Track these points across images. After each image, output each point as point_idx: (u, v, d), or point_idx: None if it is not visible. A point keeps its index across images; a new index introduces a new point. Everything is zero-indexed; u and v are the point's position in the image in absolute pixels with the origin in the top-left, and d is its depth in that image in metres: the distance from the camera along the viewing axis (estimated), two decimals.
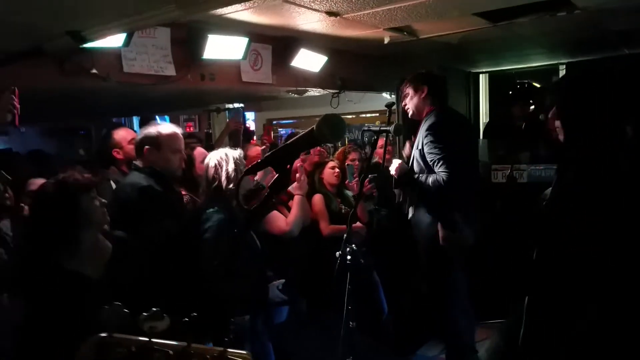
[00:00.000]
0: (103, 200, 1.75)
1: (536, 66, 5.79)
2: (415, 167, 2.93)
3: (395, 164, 2.99)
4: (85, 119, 5.55)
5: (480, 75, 6.15)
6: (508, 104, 5.59)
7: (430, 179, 2.78)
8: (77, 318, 1.46)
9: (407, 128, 3.58)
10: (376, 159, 3.37)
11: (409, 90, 3.01)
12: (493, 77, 6.18)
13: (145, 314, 0.78)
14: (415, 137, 3.16)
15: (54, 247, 1.61)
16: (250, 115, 6.92)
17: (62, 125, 6.05)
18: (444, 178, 2.69)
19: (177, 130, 2.51)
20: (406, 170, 2.94)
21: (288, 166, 1.01)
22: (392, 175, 3.02)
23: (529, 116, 5.03)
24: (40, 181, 2.46)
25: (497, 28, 3.70)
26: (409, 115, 3.04)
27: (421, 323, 3.55)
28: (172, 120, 6.02)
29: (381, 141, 3.31)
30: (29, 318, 1.51)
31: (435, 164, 2.74)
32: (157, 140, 2.41)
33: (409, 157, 3.07)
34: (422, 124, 2.92)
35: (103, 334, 0.76)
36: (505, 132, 4.96)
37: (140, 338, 0.77)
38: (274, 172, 0.95)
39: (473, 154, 3.16)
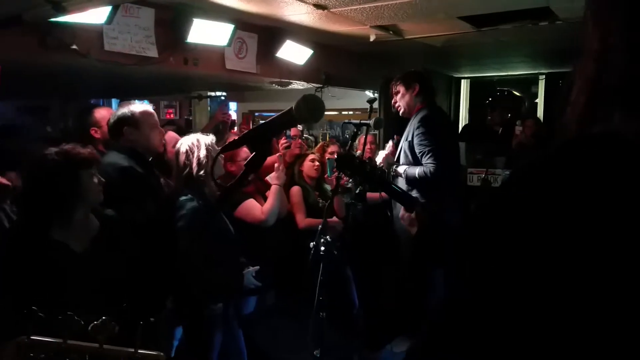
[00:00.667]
0: (102, 179, 1.78)
1: (517, 75, 5.94)
2: (402, 159, 2.98)
3: (381, 154, 3.03)
4: (62, 99, 5.42)
5: (462, 80, 6.27)
6: (487, 109, 5.72)
7: (417, 170, 2.83)
8: (55, 286, 1.48)
9: (391, 126, 3.63)
10: (357, 153, 3.39)
11: (400, 88, 3.06)
12: (474, 83, 6.31)
13: (95, 322, 0.83)
14: (398, 136, 3.20)
15: (46, 216, 1.65)
16: (232, 106, 6.87)
17: (35, 104, 5.90)
18: (431, 170, 2.75)
19: (149, 107, 2.48)
20: (392, 162, 2.99)
21: (265, 145, 1.01)
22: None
23: (507, 123, 5.15)
24: None
25: (480, 33, 3.77)
26: (400, 112, 3.09)
27: (392, 318, 3.60)
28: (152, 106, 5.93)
29: (364, 138, 3.35)
30: (9, 280, 1.53)
31: (424, 155, 2.80)
32: (133, 119, 2.37)
33: (392, 154, 3.10)
34: (412, 119, 2.97)
35: (22, 337, 0.80)
36: (483, 136, 5.06)
37: (56, 340, 0.80)
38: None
39: (456, 152, 3.23)
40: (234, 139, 1.03)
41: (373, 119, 2.46)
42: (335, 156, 3.68)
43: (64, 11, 1.91)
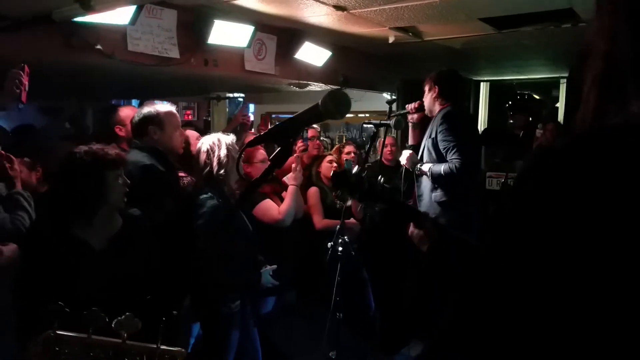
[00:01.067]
0: (127, 181, 1.80)
1: (537, 78, 5.86)
2: (426, 157, 2.95)
3: (405, 154, 3.01)
4: (84, 100, 5.52)
5: (482, 83, 6.21)
6: (507, 113, 5.65)
7: (443, 167, 2.81)
8: (72, 282, 1.50)
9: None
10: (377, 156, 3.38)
11: (425, 88, 3.06)
12: (494, 87, 6.25)
13: (119, 318, 0.83)
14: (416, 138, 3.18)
15: (68, 213, 1.67)
16: (250, 108, 6.92)
17: (54, 104, 6.01)
18: (457, 165, 2.73)
19: (173, 108, 2.51)
20: (416, 160, 2.96)
21: (290, 140, 1.02)
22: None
23: (528, 126, 5.08)
24: None
25: (501, 35, 3.74)
26: (426, 112, 3.07)
27: (408, 322, 3.57)
28: None
29: (382, 141, 3.33)
30: (28, 272, 1.56)
31: (449, 150, 2.78)
32: (158, 118, 2.40)
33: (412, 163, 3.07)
34: (434, 117, 2.95)
35: (49, 331, 0.81)
36: (503, 140, 5.00)
37: (81, 335, 0.81)
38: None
39: (478, 152, 3.20)
40: (259, 134, 1.04)
41: (393, 119, 2.45)
42: (352, 156, 3.69)
43: (91, 10, 1.95)
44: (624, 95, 0.54)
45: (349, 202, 2.62)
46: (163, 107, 2.48)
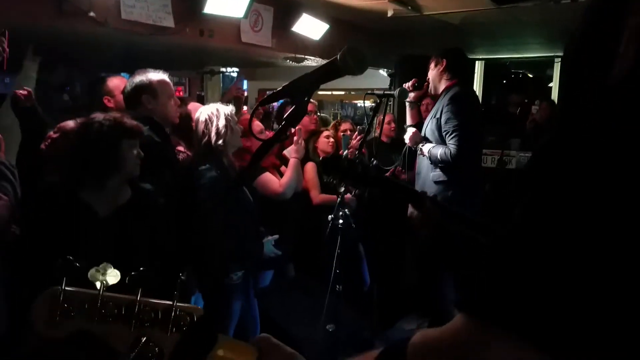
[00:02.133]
0: (141, 153, 1.80)
1: (532, 57, 5.84)
2: (430, 137, 2.94)
3: (409, 132, 2.97)
4: (74, 71, 5.37)
5: (477, 61, 6.17)
6: (502, 91, 5.64)
7: (440, 151, 2.79)
8: (72, 242, 1.55)
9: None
10: (377, 133, 3.33)
11: (431, 64, 2.99)
12: (488, 65, 6.21)
13: (133, 273, 0.79)
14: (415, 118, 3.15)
15: (78, 177, 1.71)
16: (247, 83, 6.81)
17: (46, 76, 5.84)
18: (452, 152, 2.71)
19: (166, 76, 2.43)
20: (419, 140, 2.94)
21: (306, 98, 0.99)
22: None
23: (522, 105, 5.09)
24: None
25: (500, 11, 3.70)
26: (429, 90, 3.01)
27: (402, 296, 3.61)
28: None
29: (386, 117, 3.29)
30: (30, 229, 1.61)
31: (449, 135, 2.76)
32: (152, 87, 2.33)
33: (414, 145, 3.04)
34: (442, 96, 2.90)
35: (57, 287, 0.76)
36: (498, 118, 5.01)
37: (90, 291, 0.77)
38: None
39: (482, 135, 3.17)
40: (274, 91, 1.00)
41: (398, 90, 2.42)
42: (349, 133, 3.65)
43: None
44: None
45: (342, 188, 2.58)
46: (156, 75, 2.40)
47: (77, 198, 1.70)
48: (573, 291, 0.46)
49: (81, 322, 0.77)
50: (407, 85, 3.03)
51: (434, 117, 2.88)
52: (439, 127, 2.83)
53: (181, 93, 7.14)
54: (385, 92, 2.43)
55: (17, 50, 2.19)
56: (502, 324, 0.48)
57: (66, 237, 1.58)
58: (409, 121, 3.16)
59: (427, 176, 2.94)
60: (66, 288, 0.79)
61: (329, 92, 6.75)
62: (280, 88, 1.00)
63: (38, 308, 0.78)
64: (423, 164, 2.97)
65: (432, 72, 2.91)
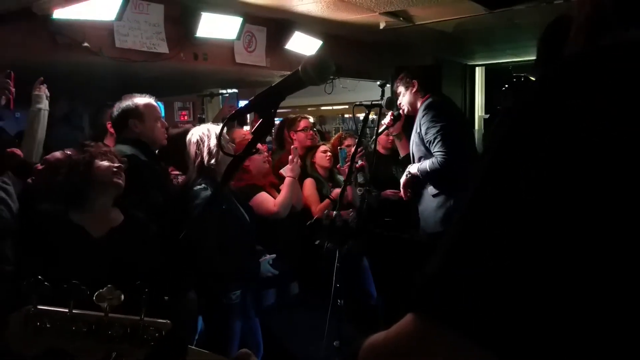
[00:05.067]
0: (118, 167, 1.92)
1: (533, 60, 5.80)
2: (416, 152, 2.91)
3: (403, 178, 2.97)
4: (77, 103, 5.48)
5: (477, 68, 6.16)
6: (502, 96, 5.59)
7: (427, 164, 2.75)
8: (66, 262, 1.66)
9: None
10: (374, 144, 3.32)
11: (400, 88, 2.97)
12: (489, 71, 6.19)
13: (100, 290, 0.82)
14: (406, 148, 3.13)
15: (66, 201, 1.84)
16: (243, 103, 6.89)
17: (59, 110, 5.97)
18: (440, 160, 2.67)
19: (152, 100, 2.47)
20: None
21: (272, 110, 0.98)
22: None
23: None
24: None
25: (493, 16, 3.69)
26: (405, 111, 2.99)
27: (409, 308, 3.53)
28: (166, 108, 5.95)
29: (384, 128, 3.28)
30: (28, 253, 1.72)
31: (432, 143, 2.72)
32: (138, 111, 2.37)
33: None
34: (418, 111, 2.89)
35: (29, 306, 0.79)
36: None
37: (60, 309, 0.79)
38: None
39: (469, 140, 3.12)
40: (241, 107, 1.01)
41: (385, 98, 2.42)
42: (351, 149, 3.63)
43: None
44: (617, 14, 0.50)
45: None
46: (142, 99, 2.44)
47: (70, 222, 1.80)
48: (531, 288, 0.42)
49: (52, 340, 0.80)
50: (387, 121, 3.03)
51: (416, 131, 2.86)
52: (422, 139, 2.81)
53: (186, 117, 7.24)
54: (373, 103, 2.43)
55: (19, 87, 2.25)
56: (445, 321, 0.44)
57: (60, 258, 1.67)
58: (401, 153, 3.18)
59: (426, 192, 2.92)
60: (38, 307, 0.81)
61: (330, 107, 6.79)
62: (247, 102, 1.00)
63: (11, 326, 0.80)
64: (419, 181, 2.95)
65: (407, 95, 2.90)
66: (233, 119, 0.96)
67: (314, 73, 0.92)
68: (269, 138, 4.46)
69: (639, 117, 0.41)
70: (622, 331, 0.41)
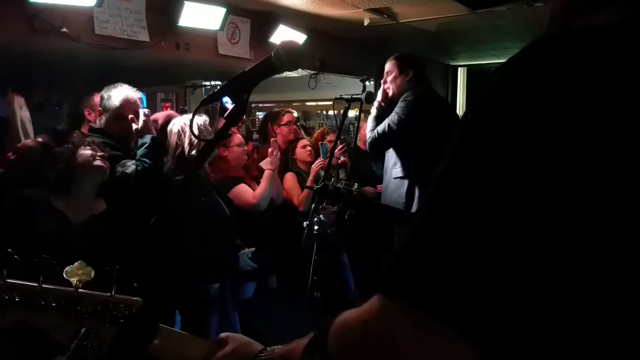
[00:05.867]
0: (101, 155, 1.96)
1: None
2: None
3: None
4: (54, 92, 5.37)
5: (459, 68, 6.23)
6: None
7: (380, 127, 2.73)
8: (39, 244, 1.70)
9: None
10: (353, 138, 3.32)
11: (394, 69, 2.84)
12: (471, 72, 6.28)
13: (70, 265, 0.81)
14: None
15: (49, 187, 1.89)
16: (228, 99, 6.83)
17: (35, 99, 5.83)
18: (394, 121, 2.63)
19: (131, 94, 2.33)
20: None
21: (245, 96, 0.99)
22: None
23: None
24: None
25: (475, 16, 3.75)
26: (389, 94, 2.84)
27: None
28: (148, 99, 5.87)
29: (362, 128, 3.23)
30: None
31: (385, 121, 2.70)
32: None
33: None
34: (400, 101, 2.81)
35: None
36: None
37: (29, 283, 0.79)
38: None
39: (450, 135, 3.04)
40: (214, 91, 1.01)
41: (365, 93, 2.43)
42: (331, 144, 3.64)
43: None
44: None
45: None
46: (122, 93, 2.30)
47: (51, 206, 1.87)
48: (505, 267, 0.42)
49: (21, 313, 0.79)
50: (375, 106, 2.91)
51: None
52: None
53: (168, 109, 7.16)
54: (353, 96, 2.43)
55: None
56: (410, 301, 0.44)
57: (35, 239, 1.72)
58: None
59: (390, 174, 2.88)
60: (7, 280, 0.80)
61: (314, 103, 6.79)
62: (219, 87, 1.00)
63: None
64: (386, 162, 2.93)
65: (398, 80, 2.77)
66: (205, 103, 0.96)
67: (286, 58, 0.92)
68: (255, 136, 4.45)
69: (604, 95, 0.42)
70: (580, 301, 0.42)
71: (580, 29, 0.50)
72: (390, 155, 2.88)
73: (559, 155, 0.42)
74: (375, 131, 2.74)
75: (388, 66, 2.86)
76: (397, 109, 2.69)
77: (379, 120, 2.79)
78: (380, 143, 2.77)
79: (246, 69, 0.97)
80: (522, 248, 0.42)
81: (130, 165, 2.18)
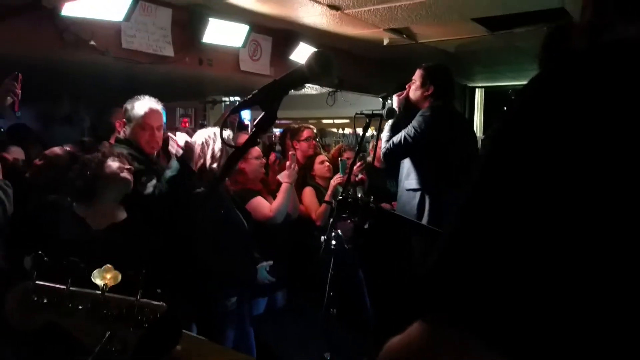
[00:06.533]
0: (128, 167, 2.01)
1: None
2: (406, 161, 2.90)
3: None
4: (77, 103, 5.49)
5: (477, 89, 6.24)
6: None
7: (396, 137, 2.73)
8: (59, 250, 1.59)
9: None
10: (369, 156, 3.33)
11: (418, 81, 2.89)
12: (489, 93, 6.27)
13: (97, 269, 0.83)
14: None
15: (73, 195, 1.94)
16: (246, 115, 6.91)
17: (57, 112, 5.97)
18: (410, 134, 2.64)
19: (155, 105, 2.43)
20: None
21: (275, 105, 1.00)
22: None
23: None
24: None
25: (495, 37, 3.76)
26: (409, 99, 2.89)
27: (404, 321, 3.51)
28: (168, 114, 5.96)
29: (378, 147, 3.22)
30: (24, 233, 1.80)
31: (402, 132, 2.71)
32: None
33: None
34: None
35: (28, 281, 0.80)
36: None
37: (58, 286, 0.80)
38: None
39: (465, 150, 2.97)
40: (244, 99, 1.02)
41: (385, 109, 2.44)
42: (349, 161, 3.65)
43: None
44: (617, 11, 0.52)
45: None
46: (146, 105, 2.41)
47: (73, 214, 1.91)
48: (543, 287, 0.41)
49: (49, 315, 0.80)
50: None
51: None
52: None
53: (187, 124, 7.26)
54: (374, 112, 2.43)
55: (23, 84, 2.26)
56: (449, 321, 0.44)
57: (54, 245, 1.71)
58: None
59: (403, 185, 2.88)
60: (37, 282, 0.81)
61: (330, 121, 6.83)
62: (250, 96, 1.02)
63: (10, 301, 0.81)
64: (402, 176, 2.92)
65: (418, 92, 2.82)
66: (235, 111, 0.97)
67: (318, 68, 0.93)
68: (278, 147, 4.48)
69: (637, 112, 0.42)
70: (621, 326, 0.41)
71: (610, 42, 0.50)
72: (404, 166, 2.89)
73: (591, 170, 0.41)
74: (391, 142, 2.76)
75: (416, 74, 2.90)
76: (414, 122, 2.72)
77: (395, 129, 2.81)
78: (395, 154, 2.79)
79: (277, 78, 0.98)
80: (563, 261, 0.41)
81: (149, 187, 2.24)
